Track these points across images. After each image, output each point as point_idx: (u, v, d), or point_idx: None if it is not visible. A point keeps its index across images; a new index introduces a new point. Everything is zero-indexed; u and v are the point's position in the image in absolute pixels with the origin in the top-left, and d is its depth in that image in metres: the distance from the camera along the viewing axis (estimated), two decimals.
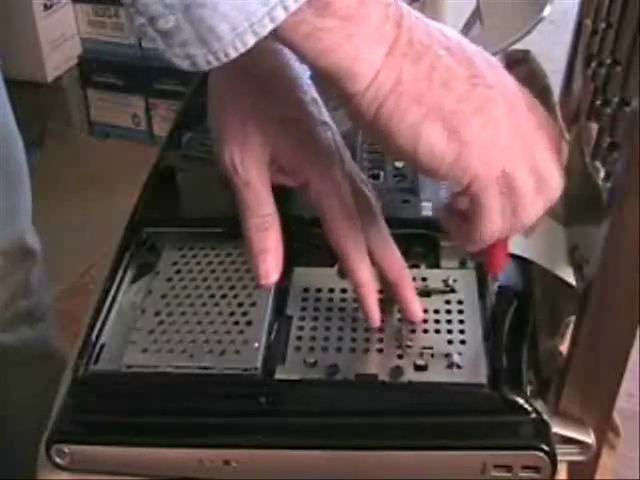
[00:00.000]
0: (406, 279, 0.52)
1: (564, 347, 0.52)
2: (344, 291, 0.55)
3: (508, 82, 0.43)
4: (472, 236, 0.45)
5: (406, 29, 0.39)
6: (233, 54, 0.36)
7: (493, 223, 0.44)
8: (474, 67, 0.41)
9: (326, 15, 0.37)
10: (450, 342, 0.51)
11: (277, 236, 0.49)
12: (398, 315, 0.53)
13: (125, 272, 0.59)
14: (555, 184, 0.44)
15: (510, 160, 0.42)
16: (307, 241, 0.51)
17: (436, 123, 0.40)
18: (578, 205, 0.53)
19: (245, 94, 0.48)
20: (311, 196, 0.49)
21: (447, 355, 0.50)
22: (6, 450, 0.88)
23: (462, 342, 0.51)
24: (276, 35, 0.36)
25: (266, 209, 0.48)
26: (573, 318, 0.50)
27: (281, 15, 0.35)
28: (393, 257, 0.51)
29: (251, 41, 0.35)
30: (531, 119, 0.43)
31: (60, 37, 1.90)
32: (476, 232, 0.44)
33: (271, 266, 0.49)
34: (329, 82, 0.40)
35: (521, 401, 0.48)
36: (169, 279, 0.57)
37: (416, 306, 0.52)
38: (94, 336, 0.54)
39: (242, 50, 0.36)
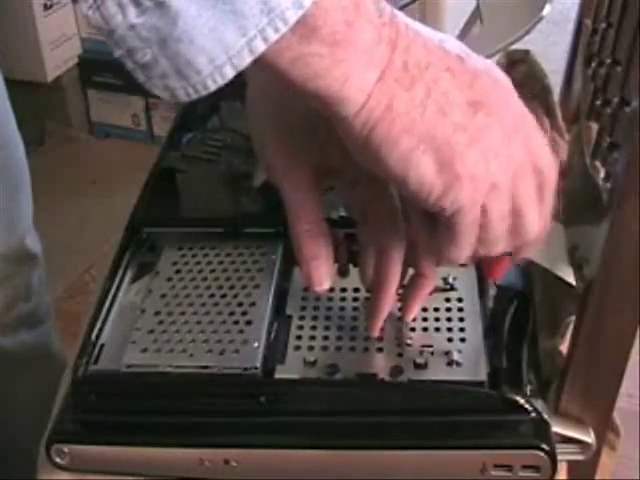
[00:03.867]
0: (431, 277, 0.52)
1: (564, 347, 0.52)
2: (344, 290, 0.55)
3: (511, 102, 0.42)
4: (440, 253, 0.44)
5: (401, 50, 0.38)
6: (213, 86, 0.35)
7: (461, 249, 0.43)
8: (476, 89, 0.40)
9: (312, 41, 0.35)
10: (450, 340, 0.51)
11: (327, 242, 0.48)
12: (398, 314, 0.53)
13: (125, 272, 0.59)
14: (535, 228, 0.43)
15: (495, 195, 0.41)
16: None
17: (427, 154, 0.39)
18: (578, 205, 0.53)
19: (289, 100, 0.46)
20: (358, 196, 0.49)
21: (447, 353, 0.50)
22: (6, 450, 0.88)
23: (462, 340, 0.51)
24: (260, 61, 0.35)
25: (315, 215, 0.47)
26: (573, 318, 0.50)
27: (261, 47, 0.34)
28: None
29: (230, 73, 0.35)
30: (528, 141, 0.42)
31: (60, 37, 1.90)
32: (443, 252, 0.44)
33: (323, 273, 0.48)
34: (318, 105, 0.39)
35: (521, 400, 0.48)
36: (169, 279, 0.57)
37: (416, 308, 0.52)
38: (94, 336, 0.54)
39: (221, 83, 0.35)
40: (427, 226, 0.45)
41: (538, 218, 0.43)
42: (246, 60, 0.34)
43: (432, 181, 0.40)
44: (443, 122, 0.39)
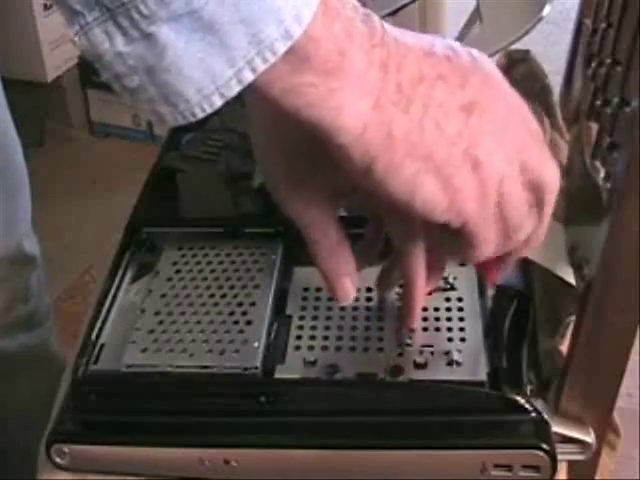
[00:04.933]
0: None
1: (564, 347, 0.52)
2: None
3: (502, 94, 0.42)
4: (467, 255, 0.44)
5: (394, 70, 0.38)
6: (201, 114, 0.35)
7: (489, 246, 0.43)
8: (468, 89, 0.40)
9: (304, 71, 0.35)
10: (450, 340, 0.51)
11: (349, 257, 0.48)
12: (398, 313, 0.53)
13: (125, 272, 0.59)
14: (553, 186, 0.43)
15: (506, 185, 0.41)
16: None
17: (430, 174, 0.39)
18: (578, 205, 0.53)
19: (294, 133, 0.44)
20: (373, 208, 0.50)
21: (447, 353, 0.50)
22: (6, 450, 0.88)
23: (462, 340, 0.51)
24: (252, 90, 0.35)
25: (333, 238, 0.47)
26: (573, 318, 0.50)
27: (249, 77, 0.34)
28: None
29: (219, 102, 0.34)
30: (523, 126, 0.42)
31: (60, 37, 1.90)
32: (472, 254, 0.44)
33: (349, 288, 0.49)
34: (315, 132, 0.38)
35: (521, 400, 0.48)
36: (169, 279, 0.57)
37: (416, 315, 0.52)
38: (94, 336, 0.54)
39: (210, 111, 0.35)
40: (447, 230, 0.45)
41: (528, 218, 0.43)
42: (234, 90, 0.34)
43: (436, 199, 0.40)
44: (440, 138, 0.39)
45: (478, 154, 0.40)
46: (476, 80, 0.40)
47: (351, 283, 0.49)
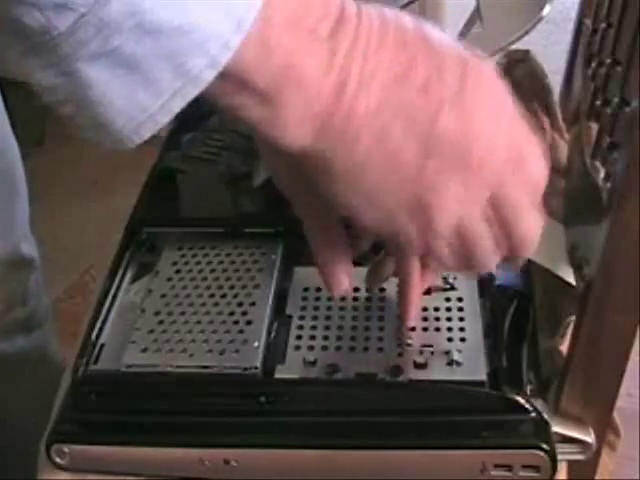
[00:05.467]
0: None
1: (564, 347, 0.52)
2: None
3: (482, 84, 0.38)
4: (473, 264, 0.43)
5: (350, 96, 0.35)
6: (138, 140, 0.35)
7: (450, 268, 0.44)
8: (440, 125, 0.37)
9: (243, 93, 0.35)
10: (450, 340, 0.51)
11: (346, 249, 0.48)
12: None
13: (125, 272, 0.59)
14: (529, 243, 0.42)
15: (459, 232, 0.40)
16: (307, 241, 0.51)
17: (371, 207, 0.39)
18: (578, 205, 0.53)
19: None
20: None
21: (447, 352, 0.50)
22: (6, 450, 0.88)
23: (462, 339, 0.51)
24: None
25: (333, 231, 0.48)
26: (573, 318, 0.50)
27: (180, 103, 0.33)
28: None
29: (155, 128, 0.34)
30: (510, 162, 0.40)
31: None
32: (476, 262, 0.43)
33: (343, 279, 0.48)
34: None
35: (521, 400, 0.48)
36: (169, 279, 0.57)
37: (411, 314, 0.52)
38: (94, 336, 0.54)
39: (148, 135, 0.35)
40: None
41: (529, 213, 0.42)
42: (167, 117, 0.34)
43: (378, 225, 0.40)
44: (387, 182, 0.38)
45: (430, 198, 0.38)
46: (455, 114, 0.37)
47: (345, 274, 0.48)
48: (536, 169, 0.41)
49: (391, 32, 0.37)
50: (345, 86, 0.36)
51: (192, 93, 0.33)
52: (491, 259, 0.43)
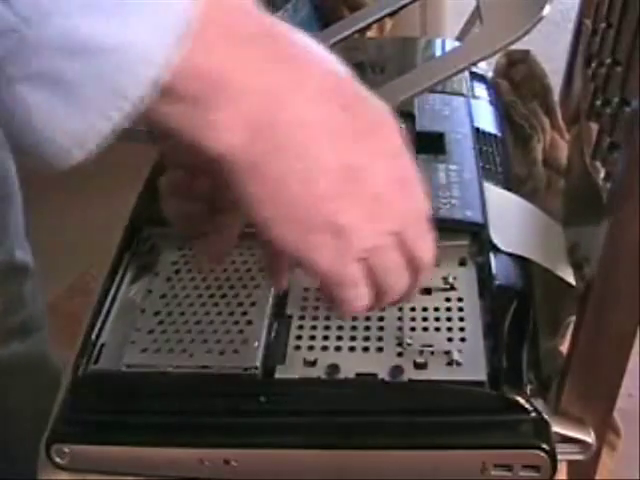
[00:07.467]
0: None
1: (564, 347, 0.52)
2: None
3: (393, 159, 0.39)
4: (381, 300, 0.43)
5: (275, 109, 0.36)
6: (71, 162, 0.35)
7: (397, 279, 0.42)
8: (356, 150, 0.38)
9: (172, 102, 0.35)
10: (450, 340, 0.51)
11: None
12: (398, 313, 0.53)
13: (125, 272, 0.59)
14: (427, 263, 0.42)
15: (369, 262, 0.40)
16: None
17: (286, 224, 0.38)
18: (578, 205, 0.53)
19: None
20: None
21: (447, 353, 0.50)
22: (6, 450, 0.88)
23: (462, 340, 0.51)
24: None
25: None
26: (573, 318, 0.50)
27: (107, 126, 0.34)
28: None
29: (80, 156, 0.35)
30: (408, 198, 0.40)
31: None
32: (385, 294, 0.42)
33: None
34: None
35: (521, 400, 0.48)
36: (169, 279, 0.57)
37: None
38: (94, 336, 0.54)
39: (81, 158, 0.35)
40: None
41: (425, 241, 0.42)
42: (97, 139, 0.34)
43: (290, 246, 0.39)
44: (305, 197, 0.38)
45: (344, 223, 0.38)
46: (369, 142, 0.38)
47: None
48: (418, 193, 0.41)
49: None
50: (274, 94, 0.36)
51: (122, 114, 0.34)
52: (400, 284, 0.42)
